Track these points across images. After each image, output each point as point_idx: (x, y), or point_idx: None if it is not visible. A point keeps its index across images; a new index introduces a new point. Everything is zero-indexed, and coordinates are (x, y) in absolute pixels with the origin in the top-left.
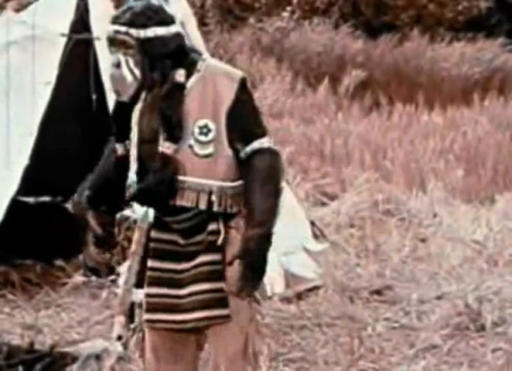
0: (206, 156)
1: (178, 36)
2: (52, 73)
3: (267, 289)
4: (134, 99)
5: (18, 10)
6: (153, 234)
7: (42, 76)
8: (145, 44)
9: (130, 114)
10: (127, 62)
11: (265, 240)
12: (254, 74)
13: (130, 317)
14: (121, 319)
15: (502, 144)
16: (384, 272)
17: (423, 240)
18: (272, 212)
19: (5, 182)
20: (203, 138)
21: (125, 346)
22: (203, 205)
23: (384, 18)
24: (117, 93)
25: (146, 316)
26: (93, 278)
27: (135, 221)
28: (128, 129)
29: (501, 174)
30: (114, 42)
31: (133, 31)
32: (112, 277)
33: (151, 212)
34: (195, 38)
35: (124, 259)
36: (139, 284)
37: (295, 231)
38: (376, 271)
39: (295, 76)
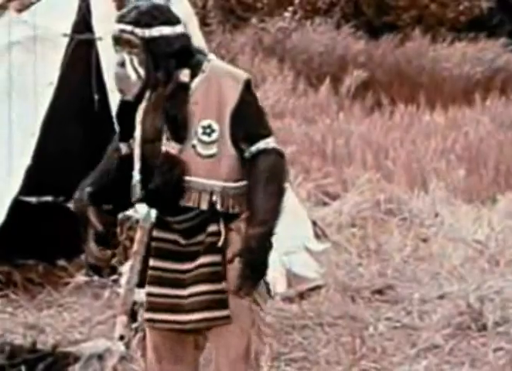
0: (209, 156)
1: (183, 36)
2: (54, 74)
3: (271, 288)
4: (139, 98)
5: (20, 10)
6: (155, 233)
7: (45, 76)
8: (149, 43)
9: (134, 114)
10: (131, 61)
11: (266, 239)
12: (256, 74)
13: (132, 316)
14: (123, 319)
15: (504, 144)
16: (386, 272)
17: (425, 240)
18: (275, 212)
19: (8, 182)
20: (206, 138)
21: (127, 346)
22: (204, 206)
23: (385, 18)
24: (121, 92)
25: (147, 315)
26: (96, 278)
27: (137, 221)
28: (132, 128)
29: (503, 174)
30: (119, 41)
31: (138, 30)
32: (114, 276)
33: (153, 211)
34: (196, 38)
35: (126, 258)
36: (141, 284)
37: (297, 231)
38: (377, 271)
39: (297, 76)
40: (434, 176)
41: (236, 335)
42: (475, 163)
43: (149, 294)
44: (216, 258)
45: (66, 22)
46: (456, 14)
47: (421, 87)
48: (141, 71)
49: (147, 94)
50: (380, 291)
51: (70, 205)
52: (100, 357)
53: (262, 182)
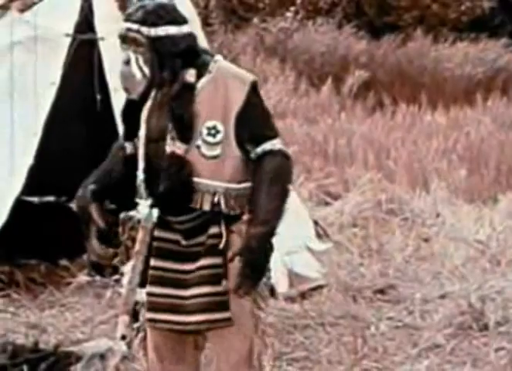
0: (213, 157)
1: (189, 36)
2: (56, 74)
3: (275, 288)
4: (144, 97)
5: (22, 10)
6: (156, 233)
7: (47, 76)
8: (155, 42)
9: (139, 113)
10: (137, 59)
11: (267, 240)
12: (258, 74)
13: (134, 316)
14: (125, 319)
15: (505, 144)
16: (388, 271)
17: (426, 240)
18: (277, 213)
19: (10, 181)
20: (210, 139)
21: (129, 346)
22: (206, 207)
23: (387, 18)
24: (126, 90)
25: (148, 315)
26: (98, 278)
27: (139, 221)
28: (137, 127)
29: (504, 174)
30: (125, 39)
31: (144, 29)
32: (116, 276)
33: (155, 211)
34: (199, 38)
35: (128, 258)
36: (143, 284)
37: (299, 231)
38: (379, 271)
39: (299, 76)
40: (435, 176)
41: (238, 339)
42: (476, 163)
43: (150, 294)
44: (218, 260)
45: (68, 22)
46: (458, 14)
47: (422, 87)
48: (147, 70)
49: (152, 93)
50: (381, 291)
51: (72, 205)
52: (102, 357)
53: (266, 182)
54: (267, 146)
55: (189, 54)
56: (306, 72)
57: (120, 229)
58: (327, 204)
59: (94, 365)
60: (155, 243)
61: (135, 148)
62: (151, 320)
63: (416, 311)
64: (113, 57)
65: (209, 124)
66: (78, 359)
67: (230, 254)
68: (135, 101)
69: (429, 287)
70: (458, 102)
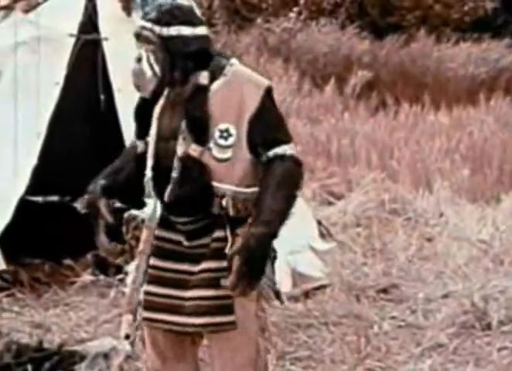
0: (224, 160)
1: (203, 38)
2: (60, 74)
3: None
4: (156, 96)
5: (27, 11)
6: (158, 232)
7: (51, 76)
8: (167, 42)
9: (152, 111)
10: (148, 58)
11: (267, 240)
12: (261, 74)
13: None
14: (128, 318)
15: (508, 143)
16: (391, 271)
17: (429, 240)
18: (281, 215)
19: (14, 182)
20: (222, 142)
21: (133, 345)
22: (214, 209)
23: (390, 18)
24: (137, 88)
25: (144, 314)
26: (102, 277)
27: (143, 220)
28: (149, 126)
29: (507, 173)
30: (139, 37)
31: (157, 28)
32: (120, 276)
33: (159, 211)
34: None
35: (132, 258)
36: None
37: (302, 230)
38: (382, 270)
39: (302, 76)
40: (438, 176)
41: (243, 342)
42: (479, 163)
43: (148, 293)
44: (222, 264)
45: (72, 23)
46: (461, 14)
47: (425, 87)
48: (157, 68)
49: (165, 92)
50: (384, 290)
51: (77, 204)
52: (106, 356)
53: (273, 186)
54: (279, 150)
55: (202, 56)
56: (309, 72)
57: (124, 229)
58: (330, 204)
59: (98, 365)
60: (155, 243)
61: (146, 147)
62: (147, 319)
63: (419, 310)
64: (117, 57)
65: (222, 126)
66: (82, 358)
67: (229, 252)
68: (148, 100)
69: (432, 286)
70: (461, 102)
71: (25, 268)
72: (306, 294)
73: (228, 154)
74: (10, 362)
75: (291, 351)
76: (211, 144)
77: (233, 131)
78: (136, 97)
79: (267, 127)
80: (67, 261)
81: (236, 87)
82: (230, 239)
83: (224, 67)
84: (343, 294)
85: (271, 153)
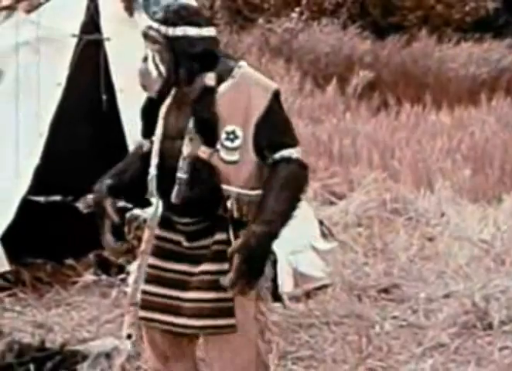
0: (232, 162)
1: (209, 39)
2: (62, 74)
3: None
4: (162, 96)
5: (29, 11)
6: (158, 232)
7: (53, 77)
8: (172, 42)
9: (158, 111)
10: (153, 57)
11: (268, 240)
12: (263, 75)
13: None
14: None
15: (509, 143)
16: (392, 271)
17: (430, 239)
18: (283, 216)
19: (16, 182)
20: (228, 144)
21: (135, 344)
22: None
23: (391, 18)
24: (143, 88)
25: (141, 313)
26: (104, 277)
27: (145, 220)
28: (155, 125)
29: (508, 173)
30: (146, 37)
31: (163, 28)
32: (122, 275)
33: (160, 210)
34: None
35: (134, 258)
36: None
37: (304, 230)
38: (383, 270)
39: (304, 76)
40: (440, 176)
41: (244, 344)
42: (480, 163)
43: (145, 293)
44: (223, 267)
45: (74, 23)
46: (462, 15)
47: (427, 87)
48: (162, 69)
49: (172, 91)
50: (386, 290)
51: (79, 204)
52: (108, 355)
53: (277, 187)
54: (285, 153)
55: (207, 57)
56: (311, 72)
57: (126, 229)
58: (332, 203)
59: (100, 364)
60: (155, 242)
61: (152, 146)
62: (144, 318)
63: (420, 310)
64: (119, 58)
65: (229, 128)
66: (84, 357)
67: (229, 251)
68: (154, 99)
69: (433, 286)
70: (462, 102)
71: (27, 268)
72: (308, 294)
73: (236, 156)
74: (12, 361)
75: (292, 350)
76: (218, 146)
77: (239, 133)
78: (138, 97)
79: (274, 130)
80: (69, 261)
81: (244, 90)
82: (233, 241)
83: (233, 69)
84: (345, 294)
85: (277, 155)
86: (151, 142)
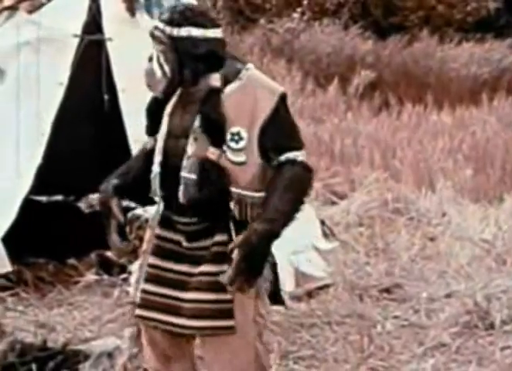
0: (239, 164)
1: (214, 41)
2: (64, 74)
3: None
4: (167, 96)
5: (30, 11)
6: (157, 231)
7: (55, 77)
8: (176, 42)
9: (163, 110)
10: (158, 57)
11: (269, 238)
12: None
13: None
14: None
15: (510, 143)
16: (393, 270)
17: (432, 239)
18: (285, 216)
19: (17, 181)
20: (233, 145)
21: (137, 344)
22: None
23: (393, 19)
24: (149, 87)
25: (139, 312)
26: (105, 277)
27: (147, 220)
28: (160, 124)
29: (510, 173)
30: (153, 37)
31: (168, 28)
32: (124, 275)
33: (161, 210)
34: None
35: (136, 257)
36: None
37: (305, 230)
38: (385, 270)
39: (305, 76)
40: (441, 176)
41: (242, 346)
42: (482, 163)
43: (144, 292)
44: (223, 268)
45: (76, 23)
46: (463, 15)
47: (428, 87)
48: (167, 69)
49: (178, 91)
50: (387, 290)
51: (80, 204)
52: (110, 355)
53: (281, 188)
54: (290, 156)
55: (211, 58)
56: (313, 72)
57: (127, 229)
58: (333, 203)
59: (102, 364)
60: (155, 242)
61: (156, 144)
62: (142, 317)
63: (422, 309)
64: (120, 58)
65: (234, 129)
66: (86, 357)
67: (229, 246)
68: (160, 99)
69: (435, 286)
70: (463, 102)
71: (29, 268)
72: (309, 294)
73: (243, 157)
74: (14, 361)
75: (294, 350)
76: (224, 147)
77: (244, 134)
78: (140, 97)
79: (280, 132)
80: (71, 261)
81: (250, 92)
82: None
83: (240, 71)
84: (346, 294)
85: (282, 157)
86: (155, 140)
